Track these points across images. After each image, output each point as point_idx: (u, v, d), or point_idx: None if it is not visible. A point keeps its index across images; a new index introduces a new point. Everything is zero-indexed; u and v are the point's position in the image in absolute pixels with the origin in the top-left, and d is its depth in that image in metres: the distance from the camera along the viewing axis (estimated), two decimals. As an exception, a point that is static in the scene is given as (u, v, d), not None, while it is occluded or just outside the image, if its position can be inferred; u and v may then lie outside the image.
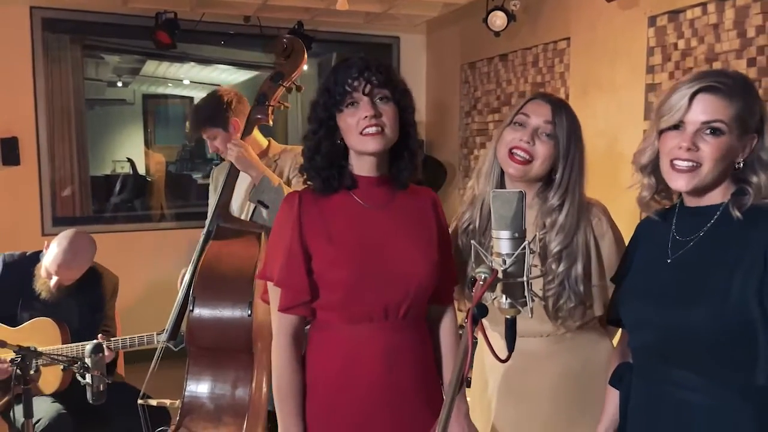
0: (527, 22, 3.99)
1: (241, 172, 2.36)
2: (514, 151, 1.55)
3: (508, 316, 1.09)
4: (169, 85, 8.96)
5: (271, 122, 2.44)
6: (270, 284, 1.46)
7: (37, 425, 2.30)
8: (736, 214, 1.21)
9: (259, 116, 2.39)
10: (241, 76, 7.90)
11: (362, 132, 1.39)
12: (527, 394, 1.62)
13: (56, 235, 2.57)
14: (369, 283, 1.40)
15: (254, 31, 4.49)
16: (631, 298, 1.36)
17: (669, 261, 1.29)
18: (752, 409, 1.18)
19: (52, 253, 2.47)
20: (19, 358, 1.95)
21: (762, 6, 2.62)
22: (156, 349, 2.51)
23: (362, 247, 1.42)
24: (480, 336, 1.07)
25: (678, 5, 3.01)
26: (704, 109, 1.21)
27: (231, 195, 2.39)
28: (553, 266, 1.54)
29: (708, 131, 1.22)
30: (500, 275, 1.05)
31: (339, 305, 1.41)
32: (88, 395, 2.14)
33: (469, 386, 1.77)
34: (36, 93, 4.25)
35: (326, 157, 1.44)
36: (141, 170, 7.74)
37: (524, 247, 1.05)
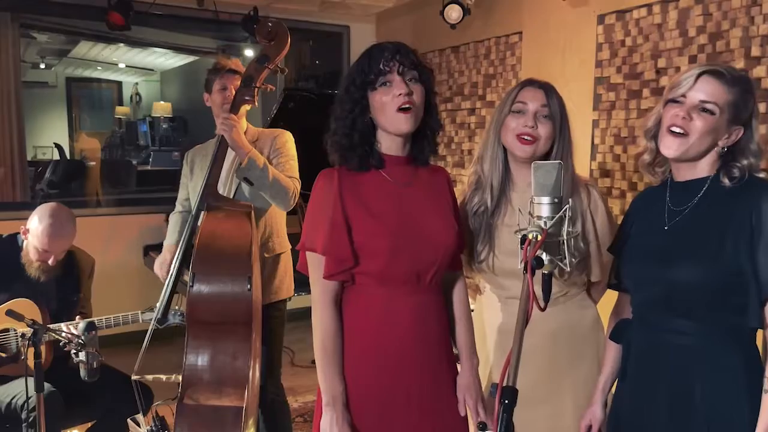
0: (480, 15, 4.19)
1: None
2: (521, 135, 1.71)
3: (545, 272, 1.24)
4: (98, 68, 8.61)
5: (257, 104, 2.49)
6: (311, 254, 1.56)
7: (29, 402, 2.27)
8: (726, 181, 1.42)
9: (246, 98, 2.42)
10: (179, 60, 7.74)
11: (399, 108, 1.51)
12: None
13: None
14: (405, 252, 1.53)
15: (208, 15, 4.47)
16: (631, 261, 1.54)
17: (666, 228, 1.48)
18: (740, 350, 1.39)
19: (37, 231, 2.42)
20: (32, 332, 1.93)
21: (703, 8, 2.91)
22: (135, 328, 2.53)
23: (398, 220, 1.55)
24: (526, 285, 1.19)
25: (625, 5, 3.28)
26: (705, 90, 1.41)
27: (219, 174, 2.42)
28: None
29: (702, 109, 1.41)
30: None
31: (377, 271, 1.54)
32: (82, 373, 2.15)
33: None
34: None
35: (362, 135, 1.55)
36: (69, 156, 7.44)
37: (564, 210, 1.20)
